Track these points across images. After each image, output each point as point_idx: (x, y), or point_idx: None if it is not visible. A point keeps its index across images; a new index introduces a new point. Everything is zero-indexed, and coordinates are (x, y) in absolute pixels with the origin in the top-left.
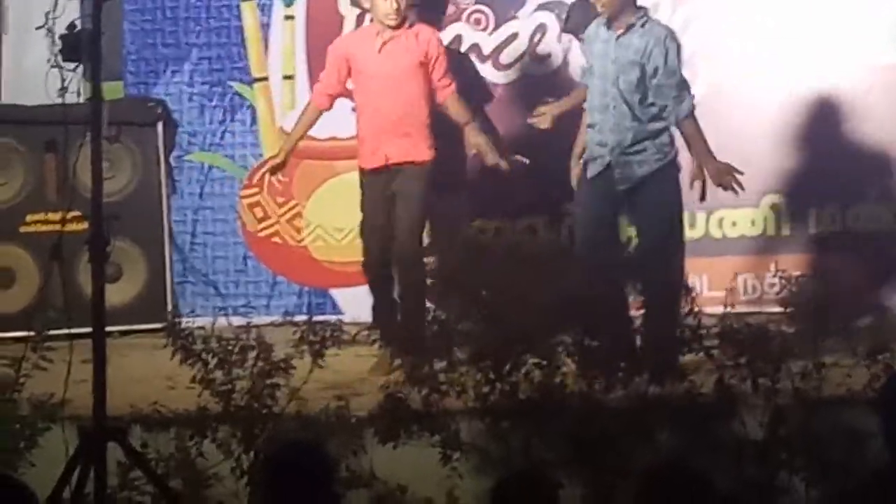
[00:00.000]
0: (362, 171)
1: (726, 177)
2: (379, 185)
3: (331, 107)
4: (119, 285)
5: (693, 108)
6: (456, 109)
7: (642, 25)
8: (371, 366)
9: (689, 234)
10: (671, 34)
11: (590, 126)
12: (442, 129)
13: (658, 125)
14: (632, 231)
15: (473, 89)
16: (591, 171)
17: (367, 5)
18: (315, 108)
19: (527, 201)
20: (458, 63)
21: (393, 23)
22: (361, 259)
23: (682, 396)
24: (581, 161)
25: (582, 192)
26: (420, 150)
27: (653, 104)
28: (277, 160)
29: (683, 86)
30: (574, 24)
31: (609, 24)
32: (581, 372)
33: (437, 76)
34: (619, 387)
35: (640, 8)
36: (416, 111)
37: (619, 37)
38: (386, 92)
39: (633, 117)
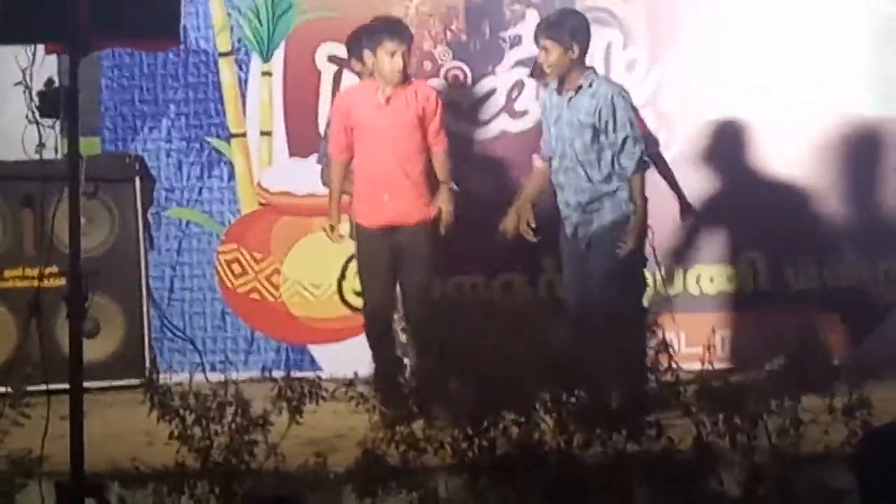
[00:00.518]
0: (359, 227)
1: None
2: (379, 241)
3: (352, 156)
4: (97, 341)
5: (641, 164)
6: (440, 166)
7: (590, 85)
8: (372, 424)
9: (667, 290)
10: (620, 91)
11: (558, 187)
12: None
13: (614, 183)
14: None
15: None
16: (567, 230)
17: (369, 62)
18: (338, 162)
19: (504, 258)
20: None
21: (398, 80)
22: (363, 315)
23: (660, 453)
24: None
25: (564, 251)
26: (419, 208)
27: (610, 163)
28: (332, 222)
29: (634, 141)
30: (540, 71)
31: (559, 89)
32: (559, 428)
33: (431, 131)
34: (597, 443)
35: (588, 68)
36: (415, 167)
37: (569, 99)
38: (385, 147)
39: (588, 178)
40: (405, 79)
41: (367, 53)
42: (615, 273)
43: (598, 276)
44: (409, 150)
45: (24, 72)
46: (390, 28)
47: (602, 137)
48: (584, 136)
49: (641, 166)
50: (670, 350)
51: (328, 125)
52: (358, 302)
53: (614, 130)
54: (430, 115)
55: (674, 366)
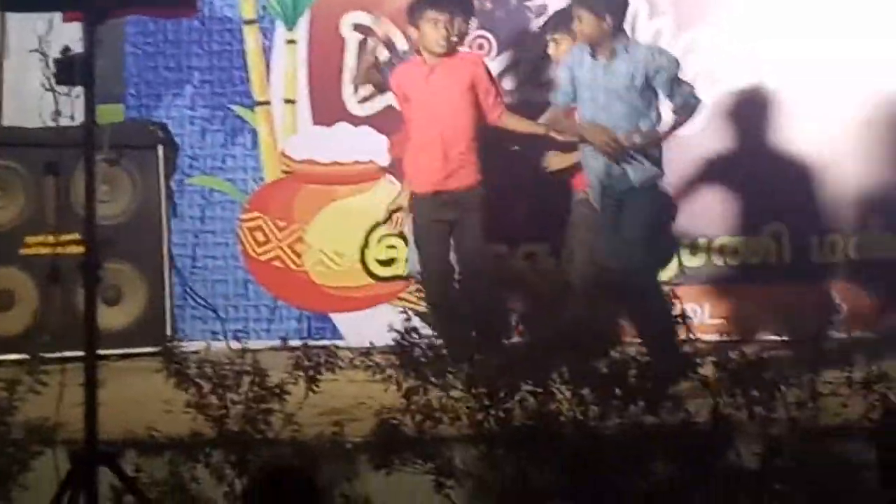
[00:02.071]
0: (413, 195)
1: None
2: (433, 208)
3: None
4: (118, 308)
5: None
6: (520, 125)
7: (626, 50)
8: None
9: (691, 261)
10: (658, 49)
11: (585, 153)
12: None
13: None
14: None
15: None
16: (594, 196)
17: (415, 35)
18: None
19: (528, 227)
20: None
21: (442, 50)
22: (422, 283)
23: (677, 425)
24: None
25: (584, 220)
26: (469, 174)
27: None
28: None
29: (680, 83)
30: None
31: (593, 53)
32: (576, 399)
33: (487, 100)
34: (613, 415)
35: (622, 32)
36: (465, 135)
37: (605, 66)
38: (435, 118)
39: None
40: (451, 48)
41: (411, 29)
42: (646, 236)
43: (630, 237)
44: (459, 121)
45: (39, 39)
46: None
47: (647, 90)
48: (626, 98)
49: (690, 105)
50: (688, 321)
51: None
52: (381, 271)
53: (660, 76)
54: (481, 82)
55: (693, 337)
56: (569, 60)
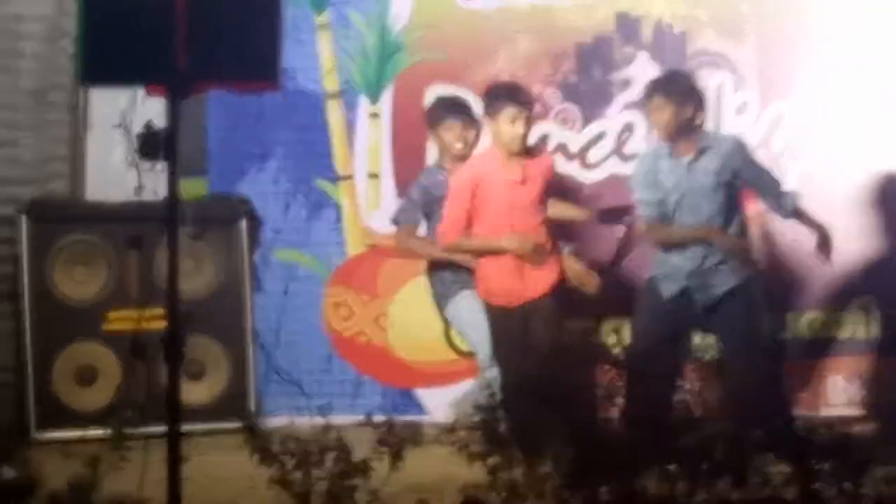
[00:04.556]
0: (490, 305)
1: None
2: (516, 318)
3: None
4: (202, 383)
5: (794, 202)
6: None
7: (711, 145)
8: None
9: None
10: (739, 140)
11: (669, 252)
12: None
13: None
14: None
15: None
16: (666, 290)
17: (491, 134)
18: (441, 249)
19: (615, 303)
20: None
21: (517, 148)
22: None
23: (765, 500)
24: (650, 276)
25: (650, 306)
26: (549, 278)
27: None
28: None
29: (777, 182)
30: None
31: (671, 152)
32: (663, 475)
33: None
34: (701, 490)
35: (701, 127)
36: (545, 238)
37: (690, 163)
38: (523, 225)
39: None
40: (525, 146)
41: (486, 119)
42: (748, 330)
43: (737, 335)
44: (539, 223)
45: (123, 114)
46: (511, 94)
47: (735, 191)
48: (716, 198)
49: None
50: None
51: (420, 190)
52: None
53: (752, 175)
54: (547, 185)
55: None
56: (642, 171)
